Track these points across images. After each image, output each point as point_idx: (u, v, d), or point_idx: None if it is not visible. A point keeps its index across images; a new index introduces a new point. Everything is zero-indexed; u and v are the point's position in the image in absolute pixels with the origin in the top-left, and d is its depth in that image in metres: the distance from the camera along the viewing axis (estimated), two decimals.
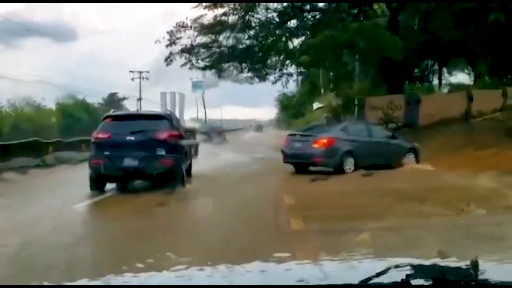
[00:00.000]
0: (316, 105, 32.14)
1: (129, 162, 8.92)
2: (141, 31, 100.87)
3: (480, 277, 1.26)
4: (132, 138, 9.05)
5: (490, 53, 20.71)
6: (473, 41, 20.20)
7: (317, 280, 1.29)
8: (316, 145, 11.54)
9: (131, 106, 43.11)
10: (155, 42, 22.99)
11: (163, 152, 9.05)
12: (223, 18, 21.95)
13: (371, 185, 9.52)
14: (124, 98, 54.38)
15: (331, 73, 29.32)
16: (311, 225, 5.67)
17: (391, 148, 12.51)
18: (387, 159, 12.08)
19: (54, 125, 43.80)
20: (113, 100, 54.62)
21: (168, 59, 23.60)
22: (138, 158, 8.97)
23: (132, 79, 44.43)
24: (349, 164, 11.53)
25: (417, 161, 12.72)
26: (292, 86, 38.80)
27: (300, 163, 11.99)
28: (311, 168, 11.96)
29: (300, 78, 38.94)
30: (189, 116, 51.07)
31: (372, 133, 12.74)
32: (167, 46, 23.05)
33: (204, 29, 22.42)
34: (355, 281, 1.23)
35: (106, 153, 8.99)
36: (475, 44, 20.45)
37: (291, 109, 45.71)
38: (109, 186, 9.48)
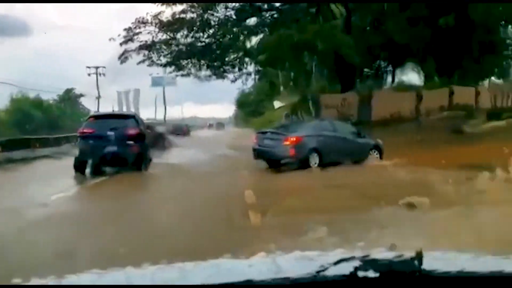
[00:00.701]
0: (277, 104, 32.44)
1: (108, 149, 11.65)
2: (99, 28, 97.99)
3: (425, 267, 1.31)
4: (110, 132, 11.81)
5: (439, 54, 21.58)
6: (424, 44, 20.94)
7: (268, 274, 1.31)
8: (285, 143, 12.14)
9: (89, 104, 42.01)
10: (112, 39, 22.58)
11: (132, 143, 11.84)
12: (182, 15, 21.77)
13: (324, 181, 9.88)
14: (81, 95, 52.89)
15: (291, 73, 29.60)
16: (266, 217, 5.81)
17: (356, 145, 13.04)
18: (353, 155, 12.52)
19: (4, 123, 41.88)
20: (70, 97, 52.96)
21: (123, 56, 23.21)
22: (115, 146, 11.71)
23: (89, 74, 43.19)
24: (316, 160, 12.06)
25: (381, 158, 13.27)
26: (251, 85, 38.93)
27: (270, 160, 12.55)
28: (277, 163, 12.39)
29: (258, 76, 39.07)
30: (147, 115, 50.00)
31: (338, 131, 13.29)
32: (123, 43, 22.67)
33: (164, 26, 22.17)
34: (305, 275, 1.26)
35: (91, 143, 11.73)
36: (426, 46, 21.21)
37: (250, 107, 45.87)
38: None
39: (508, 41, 23.66)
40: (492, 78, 26.04)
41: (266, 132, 13.49)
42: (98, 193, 9.65)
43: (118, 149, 11.65)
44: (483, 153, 10.73)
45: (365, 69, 25.74)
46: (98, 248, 4.48)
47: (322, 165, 11.79)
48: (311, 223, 4.78)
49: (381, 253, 1.48)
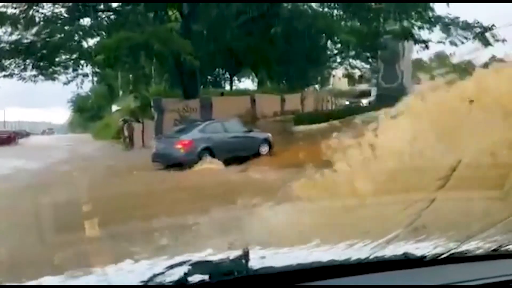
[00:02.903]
0: (114, 107, 31.08)
1: None
2: None
3: (252, 266, 1.40)
4: None
5: (271, 62, 23.21)
6: (257, 52, 22.28)
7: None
8: (177, 146, 13.21)
9: None
10: None
11: None
12: (2, 10, 19.40)
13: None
14: None
15: (130, 75, 28.70)
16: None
17: (247, 141, 14.27)
18: (245, 151, 13.69)
19: None
20: None
21: None
22: None
23: None
24: (208, 159, 13.00)
25: (270, 149, 14.52)
26: (88, 87, 36.49)
27: (166, 162, 13.30)
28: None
29: (96, 79, 36.85)
30: None
31: (228, 130, 14.42)
32: None
33: None
34: (133, 285, 1.25)
35: None
36: (258, 54, 22.59)
37: (88, 112, 43.01)
38: None
39: (328, 52, 26.58)
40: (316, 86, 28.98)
41: (161, 137, 14.79)
42: None
43: None
44: (315, 150, 11.99)
45: (207, 75, 26.32)
46: None
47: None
48: (151, 230, 4.70)
49: (211, 255, 1.55)
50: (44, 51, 20.39)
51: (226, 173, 11.73)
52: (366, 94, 24.08)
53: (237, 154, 13.23)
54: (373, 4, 21.57)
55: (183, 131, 14.84)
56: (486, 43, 21.52)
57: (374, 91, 23.27)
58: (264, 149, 14.52)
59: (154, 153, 13.91)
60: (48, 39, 20.05)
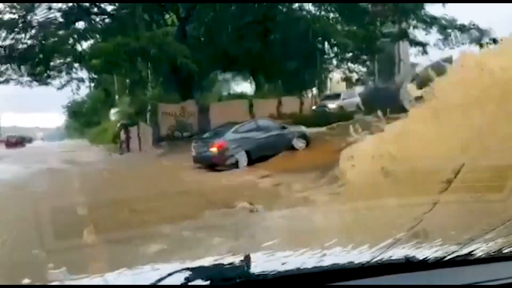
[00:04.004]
0: (112, 111, 31.04)
1: None
2: None
3: (254, 270, 1.40)
4: None
5: (268, 65, 23.23)
6: (254, 55, 22.28)
7: None
8: (212, 148, 13.64)
9: None
10: None
11: None
12: None
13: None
14: None
15: (127, 80, 28.66)
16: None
17: (281, 137, 14.42)
18: (280, 147, 13.91)
19: None
20: None
21: None
22: None
23: None
24: (244, 158, 13.42)
25: (307, 144, 14.55)
26: (84, 92, 36.35)
27: (206, 164, 13.68)
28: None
29: (92, 83, 36.72)
30: None
31: (262, 128, 14.70)
32: None
33: None
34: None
35: None
36: (256, 57, 22.59)
37: (84, 117, 42.91)
38: None
39: (325, 55, 26.57)
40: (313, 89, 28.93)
41: (198, 141, 15.02)
42: None
43: None
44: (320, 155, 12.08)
45: (204, 79, 26.29)
46: None
47: (252, 161, 13.24)
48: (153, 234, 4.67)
49: (213, 261, 1.54)
50: (41, 56, 20.36)
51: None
52: (333, 98, 23.89)
53: (273, 152, 13.48)
54: (370, 8, 21.67)
55: (217, 133, 15.19)
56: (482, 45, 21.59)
57: (343, 95, 23.09)
58: (301, 144, 14.59)
59: (194, 156, 14.33)
60: (43, 43, 20.01)
